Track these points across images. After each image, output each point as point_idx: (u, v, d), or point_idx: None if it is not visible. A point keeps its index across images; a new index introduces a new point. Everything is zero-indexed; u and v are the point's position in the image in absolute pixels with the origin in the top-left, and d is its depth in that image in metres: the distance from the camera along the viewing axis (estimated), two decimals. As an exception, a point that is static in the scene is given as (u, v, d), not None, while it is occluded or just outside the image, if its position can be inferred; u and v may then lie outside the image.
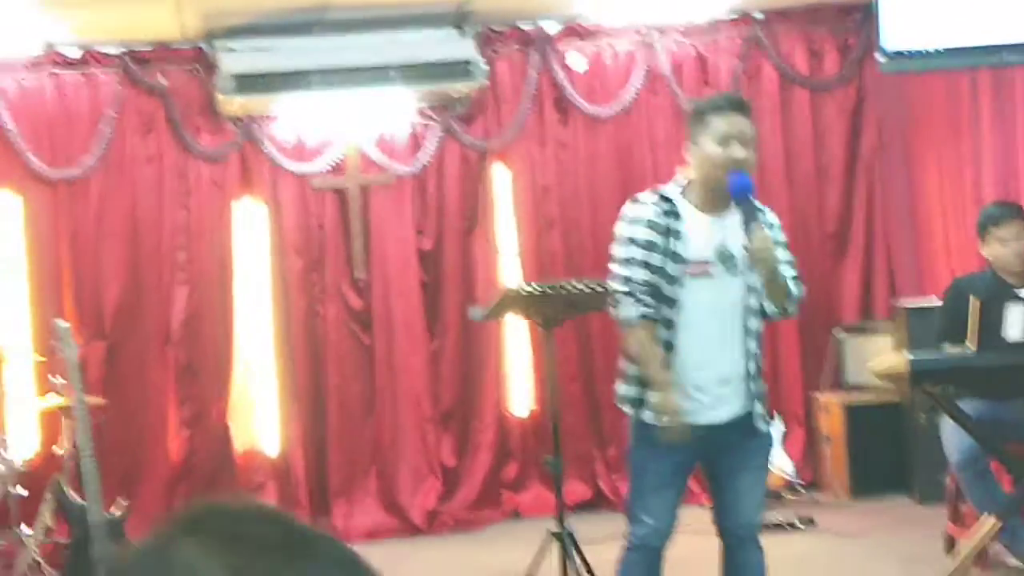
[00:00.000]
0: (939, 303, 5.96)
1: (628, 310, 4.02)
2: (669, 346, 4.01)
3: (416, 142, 7.77)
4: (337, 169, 7.71)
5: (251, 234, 7.68)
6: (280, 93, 7.15)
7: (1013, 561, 5.61)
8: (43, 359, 6.74)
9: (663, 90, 7.85)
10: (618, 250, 4.09)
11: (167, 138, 7.54)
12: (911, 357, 5.10)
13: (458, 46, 7.34)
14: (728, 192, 3.97)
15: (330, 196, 7.73)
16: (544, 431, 7.21)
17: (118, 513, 6.02)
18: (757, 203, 4.03)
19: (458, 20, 7.36)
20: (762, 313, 4.13)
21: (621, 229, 4.10)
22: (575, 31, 7.80)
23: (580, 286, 5.25)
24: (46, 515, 6.12)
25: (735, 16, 7.88)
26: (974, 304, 5.19)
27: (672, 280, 4.00)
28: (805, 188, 8.05)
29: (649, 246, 4.01)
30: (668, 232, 4.01)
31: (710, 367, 4.04)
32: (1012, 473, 5.42)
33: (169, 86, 7.50)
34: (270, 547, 1.01)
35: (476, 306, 7.00)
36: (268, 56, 7.11)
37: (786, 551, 6.03)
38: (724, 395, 4.06)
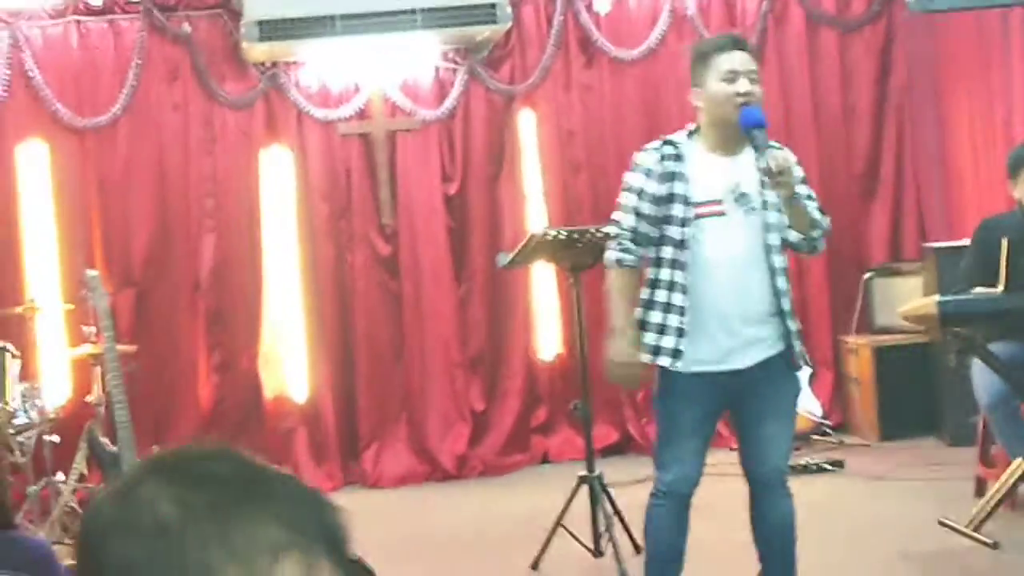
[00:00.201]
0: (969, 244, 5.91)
1: (608, 254, 4.13)
2: (685, 289, 4.00)
3: (441, 87, 7.74)
4: (363, 115, 7.69)
5: (278, 181, 7.68)
6: (304, 39, 7.12)
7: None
8: (73, 308, 6.79)
9: (689, 32, 7.77)
10: (620, 196, 4.14)
11: (192, 86, 7.54)
12: (940, 299, 5.07)
13: (483, -11, 7.29)
14: (739, 128, 3.94)
15: (356, 142, 7.72)
16: (572, 375, 7.23)
17: (150, 459, 6.06)
18: (772, 142, 3.99)
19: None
20: (788, 247, 4.11)
21: (625, 176, 4.16)
22: (600, -28, 7.74)
23: (606, 231, 5.22)
24: (80, 462, 6.17)
25: (762, -45, 7.80)
26: (1004, 245, 5.15)
27: (682, 222, 3.99)
28: (833, 129, 7.99)
29: (640, 194, 4.05)
30: (673, 176, 4.01)
31: (734, 308, 4.00)
32: (1042, 414, 5.41)
33: (193, 33, 7.49)
34: (222, 482, 1.07)
35: (502, 252, 6.99)
36: (292, 1, 7.07)
37: (815, 493, 6.04)
38: (756, 336, 4.03)
